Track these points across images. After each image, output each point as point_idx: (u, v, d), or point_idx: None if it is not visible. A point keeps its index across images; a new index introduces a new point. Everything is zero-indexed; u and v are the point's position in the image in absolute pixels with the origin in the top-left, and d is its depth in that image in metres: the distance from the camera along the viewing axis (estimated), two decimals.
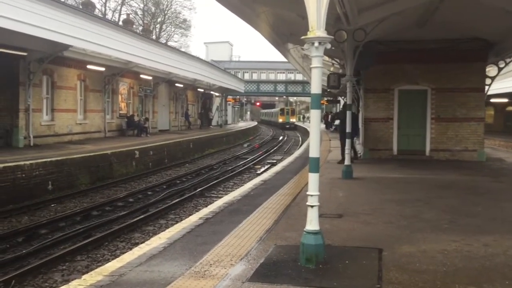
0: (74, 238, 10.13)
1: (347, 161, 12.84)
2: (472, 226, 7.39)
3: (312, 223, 5.47)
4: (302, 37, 5.42)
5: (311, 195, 5.48)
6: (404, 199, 9.83)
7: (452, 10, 13.36)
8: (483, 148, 17.62)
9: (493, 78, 17.33)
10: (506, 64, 17.70)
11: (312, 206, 5.48)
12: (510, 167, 16.07)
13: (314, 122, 5.60)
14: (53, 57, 19.77)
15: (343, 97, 36.45)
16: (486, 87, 17.34)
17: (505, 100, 41.32)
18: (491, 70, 18.50)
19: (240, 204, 9.26)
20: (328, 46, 5.43)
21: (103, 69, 24.38)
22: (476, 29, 15.75)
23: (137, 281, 4.98)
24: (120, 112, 28.78)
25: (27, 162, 14.05)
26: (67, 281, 7.19)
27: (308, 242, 5.43)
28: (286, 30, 16.36)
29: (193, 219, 7.94)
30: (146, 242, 6.66)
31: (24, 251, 9.05)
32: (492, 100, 36.05)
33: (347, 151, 13.02)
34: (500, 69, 17.66)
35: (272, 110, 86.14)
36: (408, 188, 11.31)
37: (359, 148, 18.34)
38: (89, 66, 23.20)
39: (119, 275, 5.15)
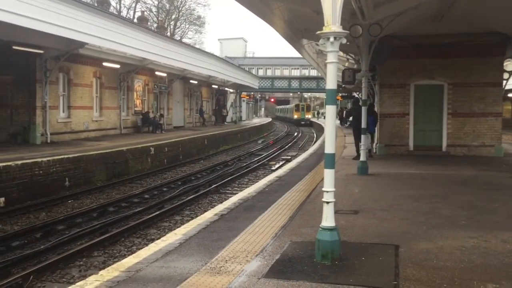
0: (91, 234, 10.23)
1: (362, 157, 12.76)
2: (490, 223, 7.30)
3: (328, 219, 5.44)
4: (318, 32, 5.39)
5: (327, 191, 5.45)
6: (420, 195, 9.74)
7: (470, 3, 13.18)
8: (500, 144, 17.39)
9: (510, 73, 17.07)
10: None
11: (327, 203, 5.45)
12: None
13: (329, 118, 5.56)
14: (69, 55, 19.97)
15: (358, 93, 36.22)
16: (504, 82, 17.09)
17: None
18: (509, 65, 18.26)
19: (255, 200, 9.26)
20: (344, 41, 5.38)
21: (118, 66, 24.56)
22: (494, 23, 15.52)
23: (153, 276, 5.01)
24: (135, 109, 28.97)
25: (44, 159, 14.22)
26: (84, 277, 7.28)
27: (324, 239, 5.41)
28: (301, 26, 16.29)
29: (208, 215, 7.96)
30: (162, 238, 6.70)
31: (42, 247, 9.16)
32: (510, 95, 35.55)
33: (362, 147, 12.93)
34: None
35: (287, 106, 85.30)
36: (424, 184, 11.21)
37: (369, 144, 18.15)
38: (104, 64, 23.39)
39: (136, 271, 5.18)
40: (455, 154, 17.12)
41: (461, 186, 11.02)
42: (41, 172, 13.89)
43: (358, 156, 15.99)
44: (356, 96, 35.03)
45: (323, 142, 26.53)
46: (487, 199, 9.32)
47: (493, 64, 16.88)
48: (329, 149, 5.51)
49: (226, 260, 5.48)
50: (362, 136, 13.17)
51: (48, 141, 19.66)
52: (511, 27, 15.66)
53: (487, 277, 4.93)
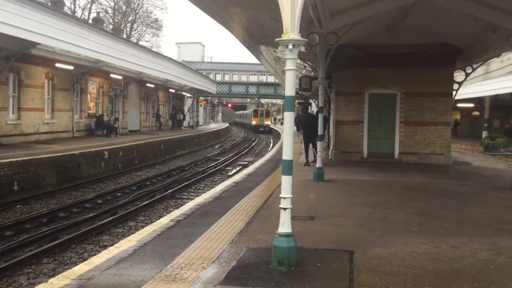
0: (41, 240, 9.86)
1: (318, 163, 12.90)
2: (441, 229, 7.51)
3: (285, 225, 5.46)
4: (277, 39, 5.41)
5: (284, 198, 5.47)
6: (374, 201, 9.94)
7: (422, 16, 13.63)
8: (450, 152, 17.99)
9: (460, 83, 17.71)
10: (473, 69, 18.16)
11: (285, 209, 5.46)
12: (476, 170, 16.44)
13: (287, 124, 5.59)
14: (20, 55, 19.33)
15: (314, 100, 36.71)
16: (454, 92, 17.71)
17: (471, 105, 42.44)
18: (458, 76, 18.94)
19: (211, 206, 9.20)
20: (302, 48, 5.44)
21: (71, 67, 23.93)
22: (445, 35, 16.10)
23: (106, 284, 4.87)
24: (89, 111, 28.29)
25: None
26: (32, 285, 7.04)
27: (281, 245, 5.42)
28: (259, 32, 16.37)
29: (164, 221, 7.83)
30: (115, 245, 6.54)
31: None
32: (459, 105, 36.99)
33: (319, 153, 13.09)
34: (467, 75, 18.09)
35: (246, 111, 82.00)
36: (378, 191, 11.44)
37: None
38: (57, 65, 22.74)
39: (87, 279, 5.03)
40: (407, 162, 17.58)
41: (413, 193, 11.31)
42: None
43: (307, 162, 16.26)
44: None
45: (280, 148, 26.74)
46: (437, 206, 9.60)
47: (444, 74, 17.46)
48: (286, 155, 5.53)
49: (182, 267, 5.40)
50: (318, 143, 13.34)
51: None
52: (461, 40, 16.29)
53: (438, 282, 5.06)
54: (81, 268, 5.43)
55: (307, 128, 17.02)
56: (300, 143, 25.77)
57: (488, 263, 5.79)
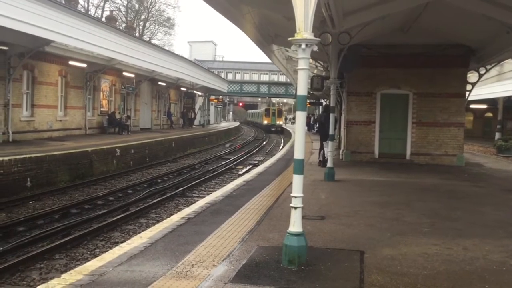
0: (53, 236, 9.97)
1: (329, 163, 12.88)
2: (452, 230, 7.47)
3: (296, 224, 5.47)
4: (289, 38, 5.42)
5: (295, 197, 5.48)
6: (385, 202, 9.91)
7: (435, 16, 13.55)
8: (462, 153, 17.86)
9: (473, 84, 17.56)
10: (487, 70, 17.99)
11: (295, 208, 5.48)
12: (488, 172, 16.31)
13: (299, 124, 5.60)
14: (34, 52, 19.51)
15: (325, 100, 36.64)
16: (467, 93, 17.58)
17: (484, 106, 42.07)
18: (471, 76, 18.79)
19: (222, 204, 9.23)
20: (315, 48, 5.44)
21: (85, 65, 24.12)
22: (458, 36, 15.99)
23: (118, 280, 4.91)
24: (102, 109, 28.50)
25: (6, 158, 13.80)
26: (45, 280, 7.11)
27: (291, 244, 5.43)
28: (272, 31, 16.38)
29: (175, 218, 7.88)
30: (127, 241, 6.59)
31: (1, 248, 8.87)
32: (472, 106, 36.67)
33: (329, 153, 13.06)
34: (480, 76, 17.92)
35: (258, 110, 78.89)
36: (389, 191, 11.40)
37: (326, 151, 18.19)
38: (70, 62, 22.94)
39: (100, 274, 5.08)
40: (419, 162, 17.48)
41: (424, 194, 11.26)
42: (1, 171, 13.47)
43: (320, 162, 16.13)
44: (326, 103, 35.35)
45: (291, 147, 26.73)
46: (449, 207, 9.54)
47: (457, 75, 17.34)
48: (298, 154, 5.54)
49: (193, 265, 5.43)
50: (329, 143, 13.32)
51: (10, 140, 19.11)
52: (474, 40, 16.16)
53: (449, 284, 5.04)
54: (93, 264, 5.49)
55: (323, 127, 16.96)
56: (311, 143, 25.79)
57: (500, 265, 5.75)
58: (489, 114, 48.41)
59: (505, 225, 7.92)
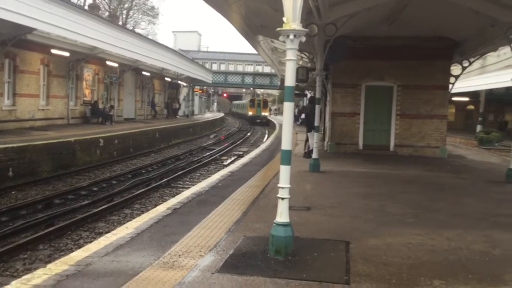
0: (36, 226, 9.87)
1: (315, 155, 12.93)
2: (436, 221, 7.57)
3: (283, 215, 5.49)
4: (278, 29, 5.41)
5: (282, 188, 5.50)
6: (370, 193, 10.00)
7: (421, 8, 13.62)
8: (445, 145, 18.07)
9: (457, 77, 17.75)
10: (470, 63, 18.19)
11: (283, 199, 5.50)
12: (470, 164, 16.54)
13: (287, 115, 5.60)
14: (16, 40, 19.15)
15: (310, 91, 36.70)
16: (450, 86, 17.75)
17: (466, 99, 42.58)
18: (455, 69, 18.97)
19: (208, 195, 9.22)
20: (303, 39, 5.44)
21: (67, 54, 23.76)
22: (443, 28, 16.11)
23: (104, 270, 4.89)
24: (85, 99, 28.14)
25: None
26: (29, 270, 7.05)
27: (278, 234, 5.45)
28: (258, 22, 16.30)
29: (161, 209, 7.85)
30: (113, 232, 6.55)
31: None
32: (454, 98, 37.07)
33: (315, 144, 13.11)
34: (464, 68, 18.11)
35: (243, 101, 77.81)
36: (373, 182, 11.50)
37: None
38: (53, 51, 22.59)
39: (85, 265, 5.05)
40: (402, 154, 17.64)
41: (408, 185, 11.39)
42: None
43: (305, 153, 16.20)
44: (311, 95, 35.38)
45: (275, 138, 26.77)
46: (432, 198, 9.67)
47: (441, 68, 17.49)
48: (286, 145, 5.55)
49: (180, 255, 5.43)
50: (315, 134, 13.36)
51: None
52: (458, 33, 16.31)
53: (434, 273, 5.12)
54: (78, 254, 5.45)
55: (309, 119, 16.99)
56: (296, 134, 25.83)
57: (483, 255, 5.85)
58: (471, 107, 49.06)
59: (488, 216, 8.05)
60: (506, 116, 44.96)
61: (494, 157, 19.93)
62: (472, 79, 30.63)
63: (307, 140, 16.54)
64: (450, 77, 17.72)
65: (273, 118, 60.40)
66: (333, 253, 5.73)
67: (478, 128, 37.00)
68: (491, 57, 24.35)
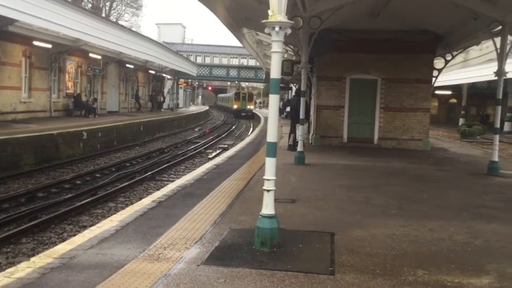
0: (19, 220, 9.76)
1: (300, 147, 12.97)
2: (419, 212, 7.67)
3: (268, 207, 5.51)
4: (263, 21, 5.40)
5: (268, 180, 5.51)
6: (354, 185, 10.07)
7: (404, 2, 13.71)
8: (428, 138, 18.26)
9: (440, 70, 17.91)
10: (453, 57, 18.37)
11: (268, 191, 5.51)
12: (453, 156, 16.75)
13: (272, 107, 5.60)
14: None
15: (295, 84, 36.76)
16: (433, 79, 17.92)
17: (449, 92, 43.04)
18: (438, 63, 19.15)
19: (193, 187, 9.20)
20: (289, 31, 5.44)
21: (50, 46, 23.45)
22: (426, 22, 16.22)
23: (89, 263, 4.86)
24: (67, 91, 27.82)
25: None
26: (12, 264, 6.97)
27: (263, 226, 5.47)
28: (242, 15, 16.26)
29: (146, 202, 7.82)
30: (97, 225, 6.51)
31: None
32: (437, 92, 37.45)
33: (300, 137, 13.14)
34: (447, 62, 18.29)
35: (228, 94, 77.04)
36: (358, 175, 11.59)
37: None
38: (35, 43, 22.28)
39: (70, 258, 5.01)
40: (386, 147, 17.80)
41: (391, 177, 11.49)
42: None
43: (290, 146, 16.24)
44: (297, 88, 35.39)
45: (260, 132, 26.77)
46: (415, 190, 9.78)
47: (424, 61, 17.64)
48: (271, 137, 5.55)
49: (165, 247, 5.42)
50: (300, 127, 13.40)
51: None
52: (441, 27, 16.45)
53: (417, 263, 5.18)
54: (63, 247, 5.41)
55: (295, 111, 17.01)
56: (280, 127, 25.86)
57: (465, 246, 5.94)
58: (454, 100, 49.64)
59: (470, 208, 8.17)
60: (488, 109, 45.56)
61: (476, 149, 20.21)
62: (455, 72, 30.99)
63: (291, 132, 16.56)
64: (433, 71, 17.88)
65: (258, 111, 60.36)
66: (318, 244, 5.77)
67: (461, 121, 37.47)
68: (474, 50, 24.65)
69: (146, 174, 15.46)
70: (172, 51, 47.64)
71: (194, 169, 14.01)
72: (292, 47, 19.76)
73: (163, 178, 15.29)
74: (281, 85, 44.54)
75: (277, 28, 5.32)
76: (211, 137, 30.31)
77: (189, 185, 9.39)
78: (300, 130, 13.32)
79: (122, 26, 34.76)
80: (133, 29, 48.54)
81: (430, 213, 7.64)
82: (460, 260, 5.38)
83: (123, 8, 59.45)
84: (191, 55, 68.30)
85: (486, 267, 5.17)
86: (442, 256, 5.50)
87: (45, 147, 17.06)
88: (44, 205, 10.95)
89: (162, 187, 11.26)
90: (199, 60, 68.35)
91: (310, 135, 18.87)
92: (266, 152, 5.60)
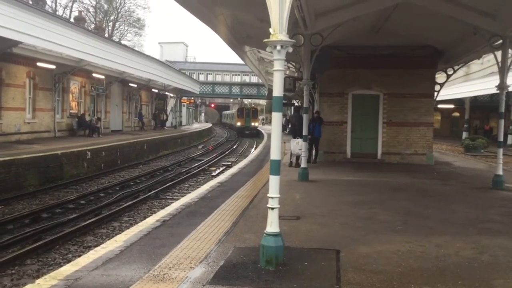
0: (23, 241, 9.73)
1: (303, 164, 12.97)
2: (424, 228, 7.62)
3: (273, 225, 5.50)
4: (265, 40, 5.45)
5: (272, 197, 5.50)
6: (358, 201, 10.04)
7: (404, 18, 13.83)
8: (431, 152, 18.23)
9: (441, 85, 17.97)
10: (454, 71, 18.45)
11: (272, 208, 5.50)
12: (457, 170, 16.70)
13: (275, 124, 5.63)
14: (1, 54, 19.02)
15: (297, 100, 36.85)
16: (435, 93, 17.96)
17: (451, 106, 43.05)
18: (439, 77, 19.22)
19: (197, 206, 9.19)
20: (290, 49, 5.48)
21: (53, 66, 23.64)
22: (427, 37, 16.32)
23: (93, 285, 4.85)
24: (71, 111, 27.98)
25: None
26: (17, 286, 6.97)
27: (268, 244, 5.46)
28: (244, 33, 16.41)
29: (150, 221, 7.81)
30: (102, 245, 6.50)
31: None
32: (439, 106, 37.48)
33: (303, 154, 13.15)
34: (448, 76, 18.36)
35: (233, 111, 72.09)
36: (362, 190, 11.55)
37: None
38: (39, 64, 22.45)
39: (75, 279, 5.00)
40: (390, 162, 17.77)
41: (396, 192, 11.45)
42: None
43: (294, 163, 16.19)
44: (297, 104, 35.47)
45: (263, 148, 26.78)
46: (420, 205, 9.74)
47: (426, 76, 17.71)
48: (275, 155, 5.57)
49: (170, 267, 5.40)
50: (303, 143, 13.40)
51: None
52: (442, 41, 16.54)
53: (424, 280, 5.15)
54: (67, 269, 5.39)
55: (294, 128, 17.08)
56: (283, 144, 25.86)
57: (471, 261, 5.90)
58: (456, 114, 49.62)
59: (475, 222, 8.13)
60: (491, 122, 45.49)
61: (481, 163, 20.15)
62: (457, 86, 31.05)
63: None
64: (435, 85, 17.94)
65: (261, 128, 60.26)
66: (323, 262, 5.74)
67: (464, 135, 37.40)
68: (475, 64, 24.76)
69: (150, 193, 15.46)
70: (175, 69, 47.97)
71: (198, 187, 14.00)
72: (294, 63, 19.89)
73: (167, 197, 15.28)
74: (284, 101, 44.65)
75: (278, 47, 5.37)
76: (214, 155, 30.33)
77: (193, 204, 9.38)
78: (303, 147, 13.33)
79: (125, 45, 35.09)
80: (136, 48, 49.05)
81: (436, 228, 7.60)
82: (467, 276, 5.33)
83: (126, 28, 60.14)
84: (194, 73, 68.68)
85: (492, 283, 5.14)
86: (449, 272, 5.46)
87: (49, 167, 17.09)
88: (48, 226, 10.94)
89: (166, 205, 11.23)
90: (202, 78, 68.72)
91: (313, 151, 18.85)
92: (269, 170, 5.61)
